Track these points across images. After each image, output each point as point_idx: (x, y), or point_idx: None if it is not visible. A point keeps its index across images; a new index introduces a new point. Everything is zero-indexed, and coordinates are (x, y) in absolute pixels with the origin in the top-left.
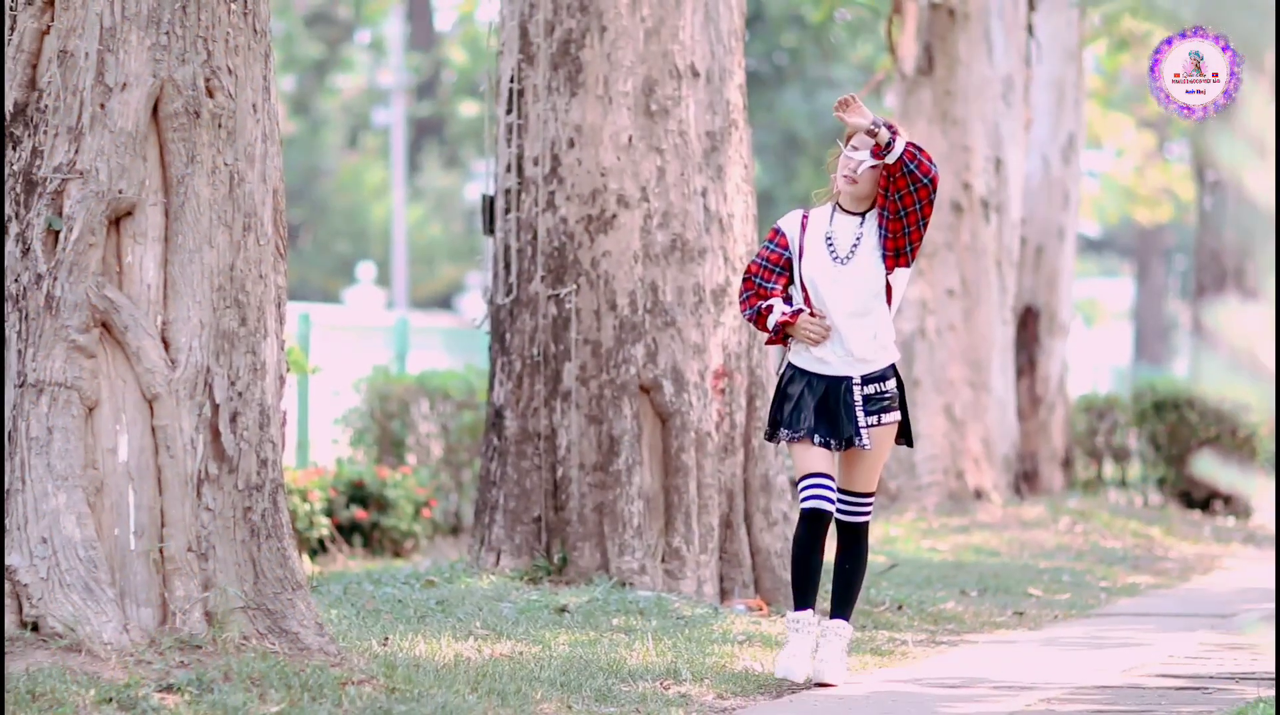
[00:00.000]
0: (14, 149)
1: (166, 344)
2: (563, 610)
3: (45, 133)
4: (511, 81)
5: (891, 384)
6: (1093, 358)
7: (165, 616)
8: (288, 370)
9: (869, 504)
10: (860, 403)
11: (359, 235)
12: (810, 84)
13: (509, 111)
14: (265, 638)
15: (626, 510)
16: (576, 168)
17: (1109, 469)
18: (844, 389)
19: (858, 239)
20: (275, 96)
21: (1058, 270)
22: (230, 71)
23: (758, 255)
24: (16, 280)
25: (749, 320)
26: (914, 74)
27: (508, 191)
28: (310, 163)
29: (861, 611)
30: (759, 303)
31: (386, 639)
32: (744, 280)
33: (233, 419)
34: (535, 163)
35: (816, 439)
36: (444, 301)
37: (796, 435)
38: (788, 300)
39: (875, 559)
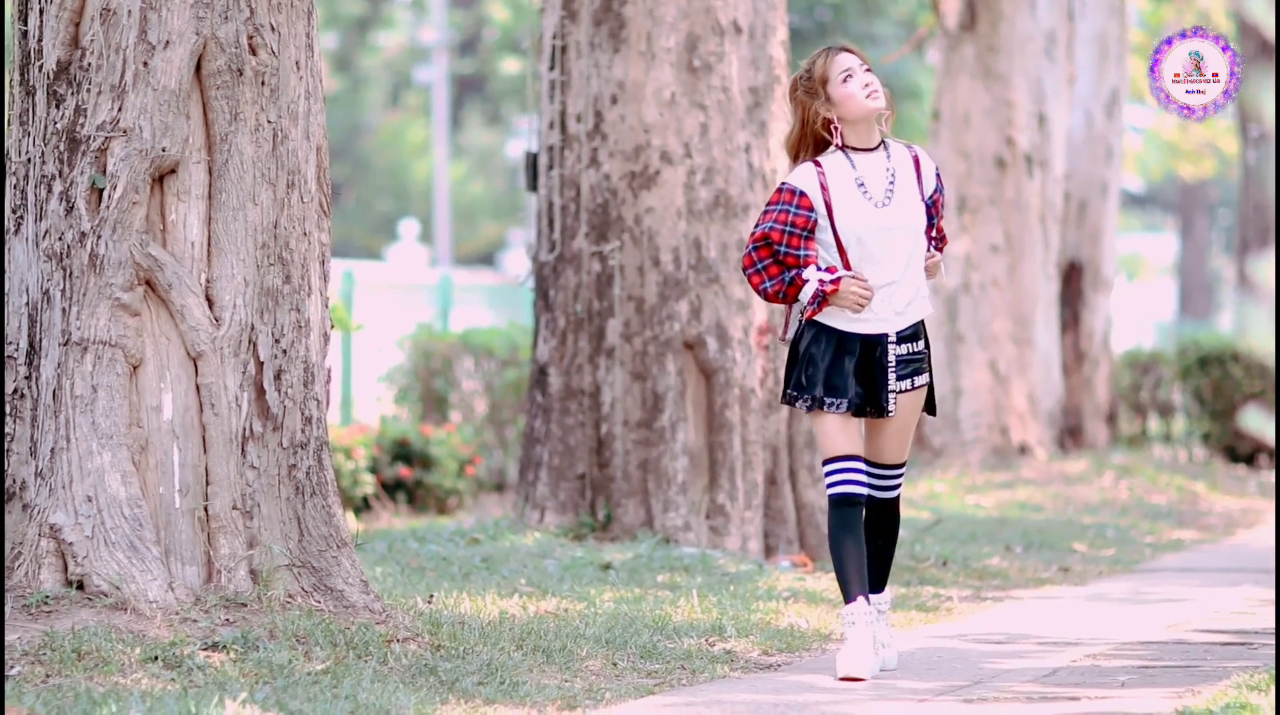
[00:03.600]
0: (57, 107)
1: (210, 302)
2: (607, 567)
3: (88, 91)
4: (554, 38)
5: (922, 344)
6: (1137, 313)
7: (210, 575)
8: (331, 328)
9: (900, 476)
10: (894, 365)
11: (401, 193)
12: (853, 40)
13: (552, 68)
14: (310, 595)
15: (671, 467)
16: (620, 124)
17: (1153, 424)
18: (879, 349)
19: (892, 176)
20: (318, 54)
21: (1101, 225)
22: (273, 29)
23: (774, 220)
24: (61, 238)
25: (769, 293)
26: (957, 29)
27: (551, 148)
28: (352, 120)
29: (906, 567)
30: (786, 273)
31: (431, 596)
32: (756, 248)
33: (277, 377)
34: (578, 119)
35: (848, 406)
36: (487, 259)
37: (833, 405)
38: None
39: (920, 515)
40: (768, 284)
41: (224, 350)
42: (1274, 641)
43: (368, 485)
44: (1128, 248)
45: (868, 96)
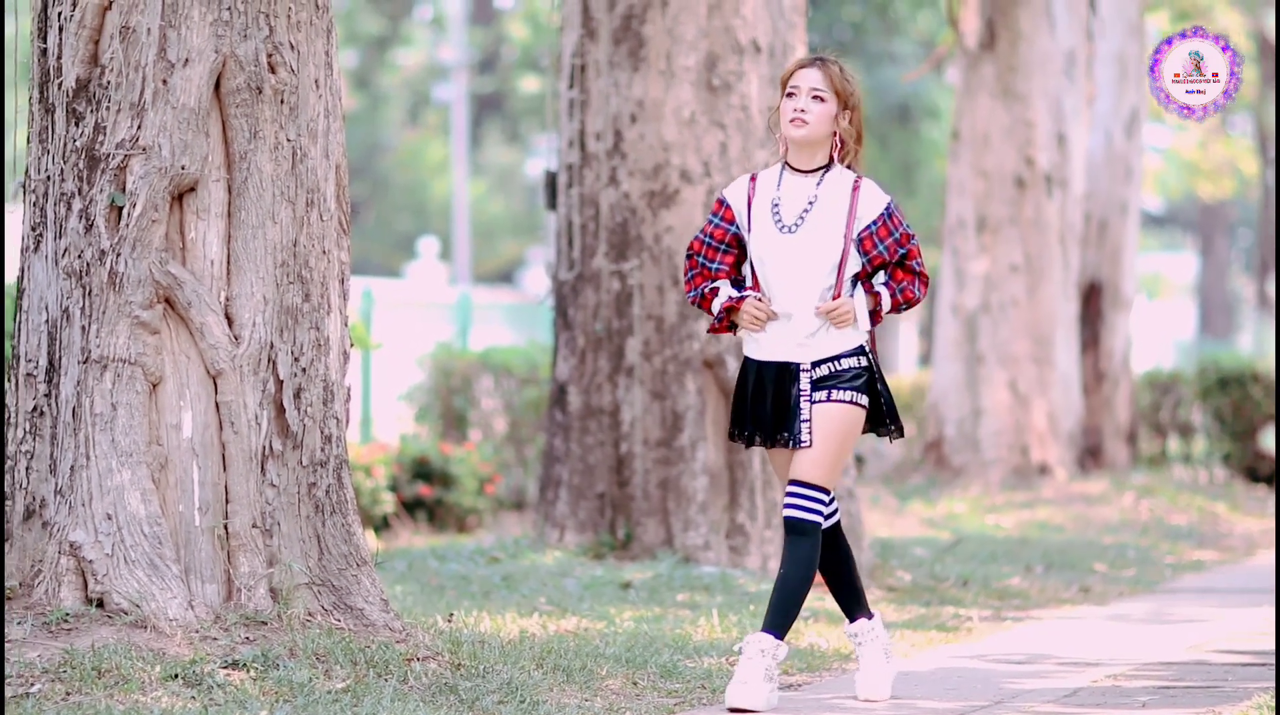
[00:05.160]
0: (77, 125)
1: (230, 320)
2: (627, 586)
3: (108, 109)
4: (574, 57)
5: (851, 362)
6: (1157, 333)
7: (230, 593)
8: (351, 346)
9: (816, 499)
10: (808, 391)
11: (420, 211)
12: (872, 58)
13: (571, 87)
14: (330, 614)
15: (690, 486)
16: (639, 143)
17: (1174, 444)
18: (790, 376)
19: (810, 203)
20: (338, 72)
21: (1121, 245)
22: (293, 47)
23: (701, 230)
24: (80, 256)
25: (693, 303)
26: (976, 49)
27: (570, 167)
28: (371, 139)
29: (926, 587)
30: (704, 284)
31: (451, 615)
32: (687, 258)
33: (296, 395)
34: (598, 138)
35: (766, 439)
36: (506, 277)
37: (751, 439)
38: (738, 282)
39: (940, 535)
40: (690, 294)
41: (243, 368)
42: (1274, 659)
43: (387, 503)
44: (1148, 267)
45: (790, 122)
